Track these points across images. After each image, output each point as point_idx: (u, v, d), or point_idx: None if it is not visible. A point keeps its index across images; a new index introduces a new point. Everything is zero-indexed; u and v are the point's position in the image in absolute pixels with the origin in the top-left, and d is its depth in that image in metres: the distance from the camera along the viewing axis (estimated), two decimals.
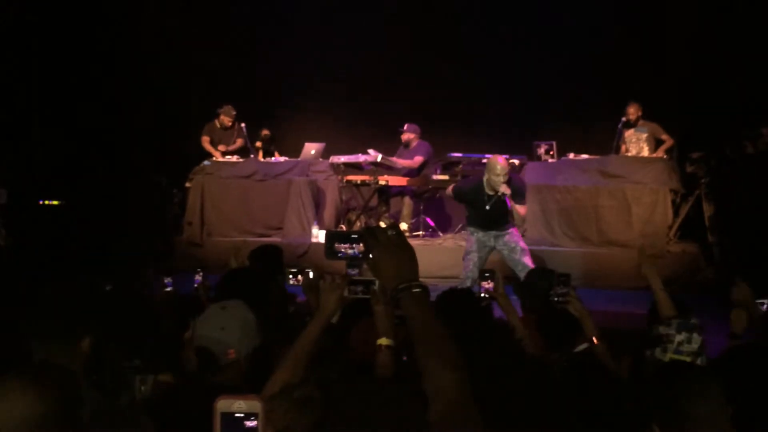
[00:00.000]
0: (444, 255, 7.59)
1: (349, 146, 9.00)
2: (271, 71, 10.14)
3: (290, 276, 3.64)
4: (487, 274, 3.33)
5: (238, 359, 2.36)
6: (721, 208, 7.43)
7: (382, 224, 7.62)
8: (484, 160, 8.35)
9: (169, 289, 4.13)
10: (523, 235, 6.60)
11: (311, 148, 8.81)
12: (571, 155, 8.41)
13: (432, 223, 8.68)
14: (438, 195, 9.05)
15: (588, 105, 9.49)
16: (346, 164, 8.61)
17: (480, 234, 6.07)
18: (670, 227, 7.70)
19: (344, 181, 8.50)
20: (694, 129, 8.19)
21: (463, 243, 7.93)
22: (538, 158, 8.43)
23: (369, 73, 10.00)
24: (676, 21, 8.88)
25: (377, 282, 2.28)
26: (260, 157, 9.16)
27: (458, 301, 3.01)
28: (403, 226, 8.10)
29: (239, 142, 9.13)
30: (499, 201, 5.83)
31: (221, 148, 9.01)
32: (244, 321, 2.40)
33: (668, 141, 8.10)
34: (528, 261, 5.92)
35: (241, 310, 2.44)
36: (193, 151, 9.05)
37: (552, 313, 2.94)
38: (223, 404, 1.35)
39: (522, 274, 5.16)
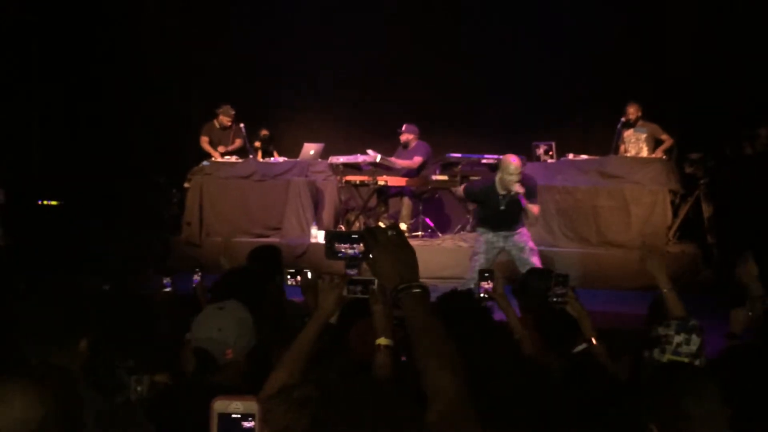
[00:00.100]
0: (443, 255, 7.59)
1: (348, 146, 9.00)
2: (270, 71, 10.14)
3: (288, 276, 3.64)
4: (486, 275, 3.32)
5: (236, 359, 2.36)
6: (720, 208, 7.44)
7: (382, 224, 7.63)
8: (483, 161, 8.40)
9: (167, 289, 4.13)
10: None
11: (310, 149, 8.81)
12: (571, 156, 8.41)
13: (431, 224, 8.68)
14: (437, 195, 9.06)
15: (587, 105, 9.50)
16: (345, 164, 8.61)
17: (489, 235, 5.99)
18: (669, 228, 7.70)
19: (343, 181, 8.49)
20: (692, 130, 8.19)
21: (462, 243, 7.97)
22: (537, 159, 8.44)
23: (368, 73, 10.00)
24: (676, 21, 8.89)
25: (376, 281, 2.27)
26: (259, 158, 9.15)
27: (458, 301, 3.01)
28: (402, 226, 8.09)
29: (238, 142, 9.12)
30: (513, 201, 5.82)
31: (221, 149, 9.00)
32: (241, 321, 2.40)
33: (667, 141, 8.09)
34: (536, 261, 5.84)
35: (237, 310, 2.44)
36: (192, 152, 9.05)
37: (550, 313, 2.94)
38: (219, 405, 1.34)
39: None
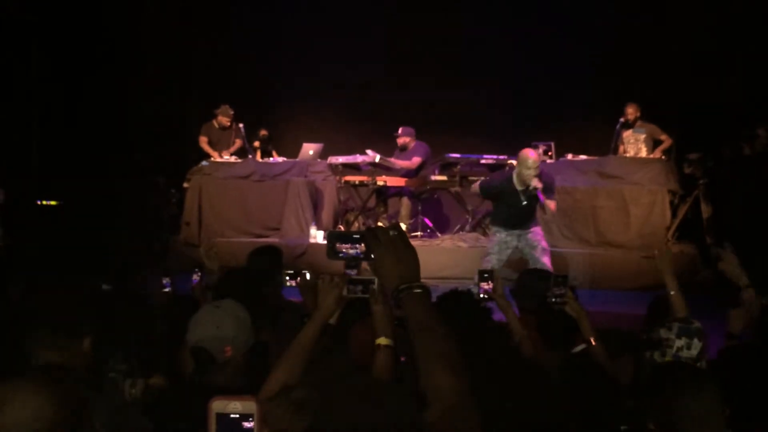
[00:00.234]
0: (442, 255, 7.59)
1: (347, 147, 8.99)
2: (270, 71, 10.14)
3: (287, 277, 3.63)
4: (486, 275, 3.32)
5: (235, 357, 2.35)
6: (719, 209, 7.44)
7: (382, 224, 7.63)
8: (482, 161, 8.40)
9: (167, 289, 4.12)
10: None
11: (309, 149, 8.80)
12: (570, 156, 8.41)
13: (430, 224, 8.68)
14: (436, 195, 9.05)
15: (586, 105, 9.50)
16: (344, 165, 8.61)
17: (503, 234, 5.91)
18: (668, 228, 7.70)
19: (342, 181, 8.49)
20: (691, 130, 8.19)
21: (461, 243, 7.96)
22: None
23: (367, 74, 10.00)
24: (676, 22, 8.89)
25: (376, 281, 2.27)
26: (258, 158, 9.14)
27: (458, 302, 3.01)
28: (402, 226, 8.08)
29: (237, 142, 9.11)
30: (531, 196, 5.74)
31: (224, 153, 8.96)
32: (238, 318, 2.39)
33: (666, 141, 8.09)
34: (547, 261, 5.80)
35: (234, 308, 2.43)
36: (191, 152, 9.04)
37: (549, 313, 2.94)
38: (218, 405, 1.33)
39: None
